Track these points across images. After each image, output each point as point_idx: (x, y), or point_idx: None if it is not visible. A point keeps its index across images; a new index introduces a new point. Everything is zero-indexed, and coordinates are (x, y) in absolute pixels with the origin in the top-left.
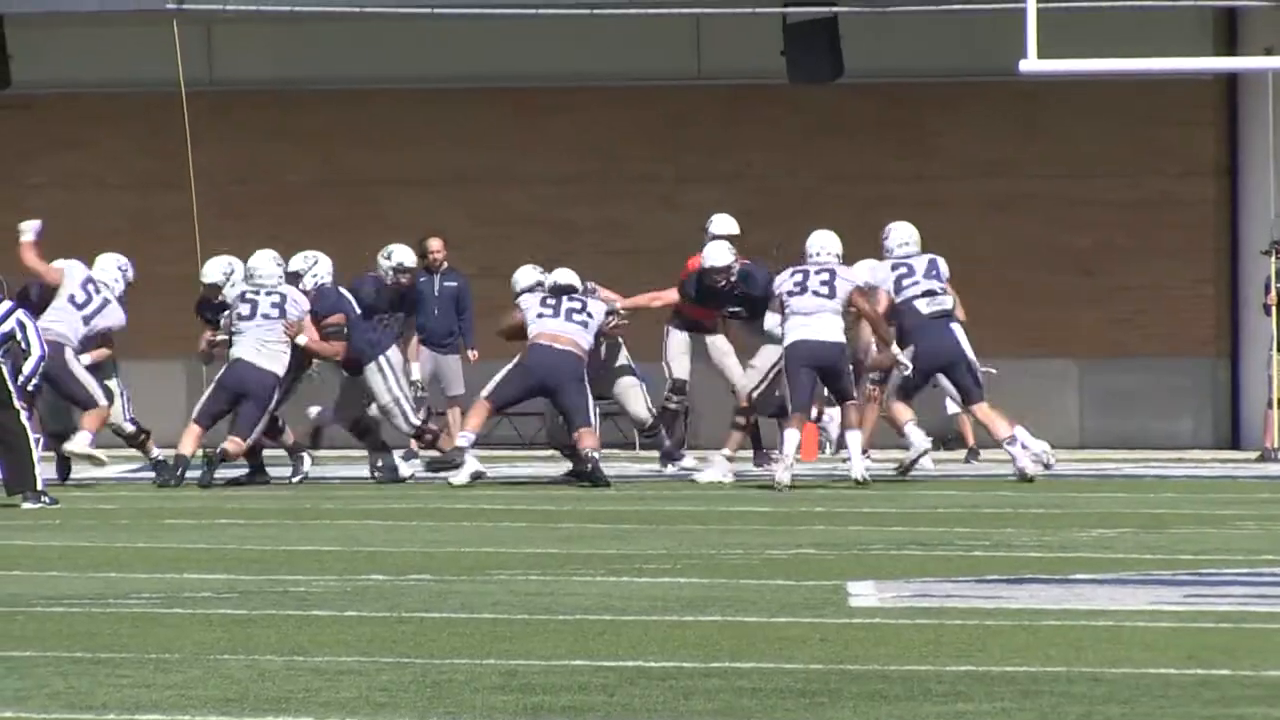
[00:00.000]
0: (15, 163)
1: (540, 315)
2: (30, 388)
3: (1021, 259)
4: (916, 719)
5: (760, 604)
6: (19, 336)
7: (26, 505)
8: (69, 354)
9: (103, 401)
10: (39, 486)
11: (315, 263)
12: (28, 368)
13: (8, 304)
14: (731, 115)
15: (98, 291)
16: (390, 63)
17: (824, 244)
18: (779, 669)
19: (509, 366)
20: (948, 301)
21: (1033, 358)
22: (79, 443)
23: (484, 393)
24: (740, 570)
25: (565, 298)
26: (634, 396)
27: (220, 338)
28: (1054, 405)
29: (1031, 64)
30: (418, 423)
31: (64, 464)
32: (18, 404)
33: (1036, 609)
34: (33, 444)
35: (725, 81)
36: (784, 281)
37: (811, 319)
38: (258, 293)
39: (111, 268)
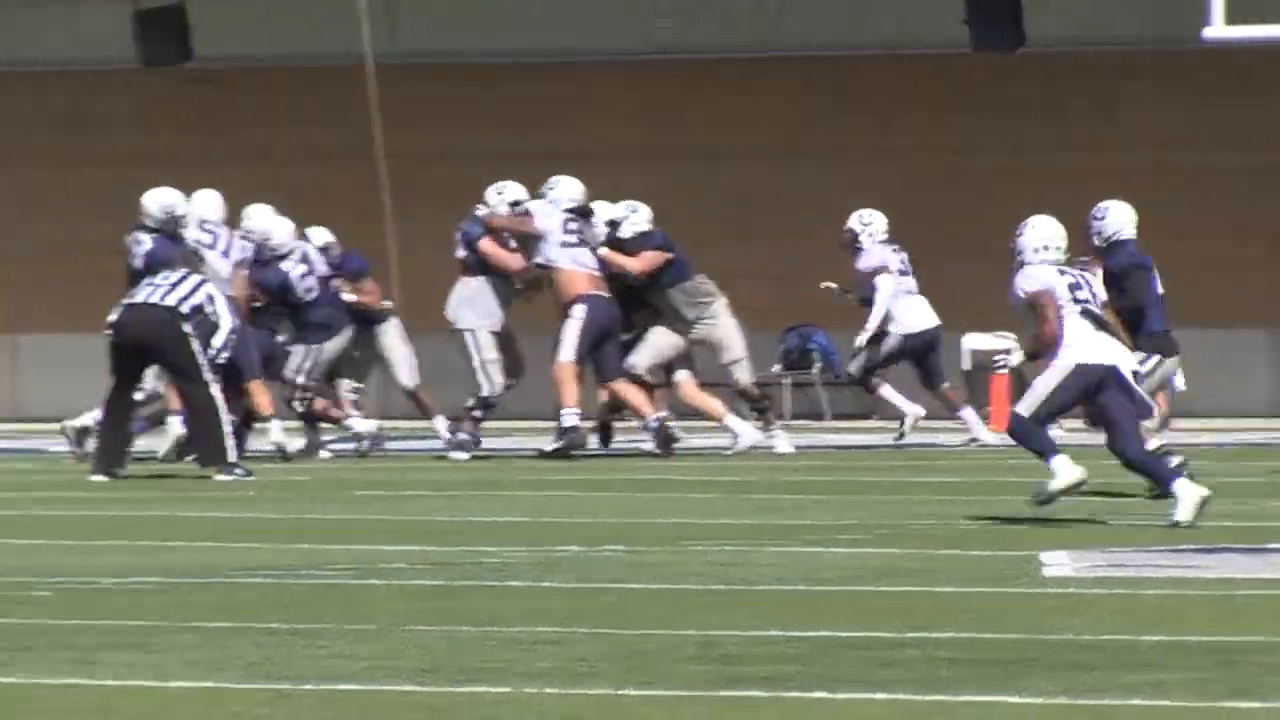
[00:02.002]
0: (198, 137)
1: (565, 244)
2: (220, 360)
3: (1209, 230)
4: (1114, 688)
5: (954, 574)
6: (208, 309)
7: (220, 478)
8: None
9: (259, 371)
10: (231, 459)
11: (634, 211)
12: (218, 340)
13: (197, 277)
14: (903, 85)
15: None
16: (579, 34)
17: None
18: (975, 639)
19: (578, 325)
20: None
21: (1222, 327)
22: (273, 433)
23: (566, 356)
24: (933, 540)
25: (586, 221)
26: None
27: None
28: (1243, 374)
29: (1217, 30)
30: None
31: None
32: (208, 377)
33: (1231, 578)
34: (224, 417)
35: (900, 51)
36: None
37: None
38: None
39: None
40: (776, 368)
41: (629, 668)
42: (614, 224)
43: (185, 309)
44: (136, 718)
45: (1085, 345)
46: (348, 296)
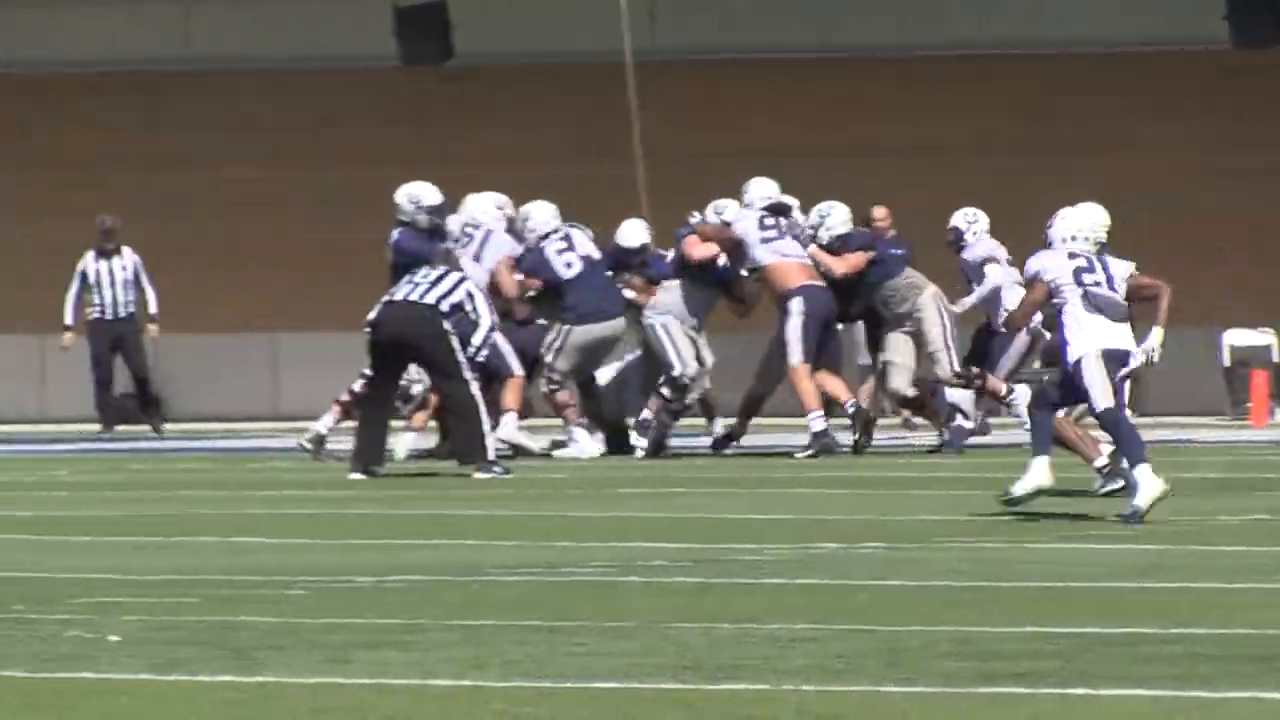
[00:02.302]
0: (458, 133)
1: (766, 240)
2: (479, 358)
3: None
4: None
5: (1214, 570)
6: (468, 307)
7: (479, 476)
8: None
9: (519, 371)
10: (490, 457)
11: (828, 214)
12: (477, 338)
13: (457, 275)
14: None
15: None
16: (836, 30)
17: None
18: (1235, 635)
19: (799, 322)
20: None
21: None
22: (506, 430)
23: (795, 359)
24: (1193, 536)
25: (784, 217)
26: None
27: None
28: None
29: None
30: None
31: None
32: (468, 375)
33: None
34: (483, 415)
35: (1155, 48)
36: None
37: None
38: None
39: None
40: (1036, 363)
41: (886, 664)
42: (815, 230)
43: (445, 306)
44: (392, 716)
45: (1085, 336)
46: (627, 293)
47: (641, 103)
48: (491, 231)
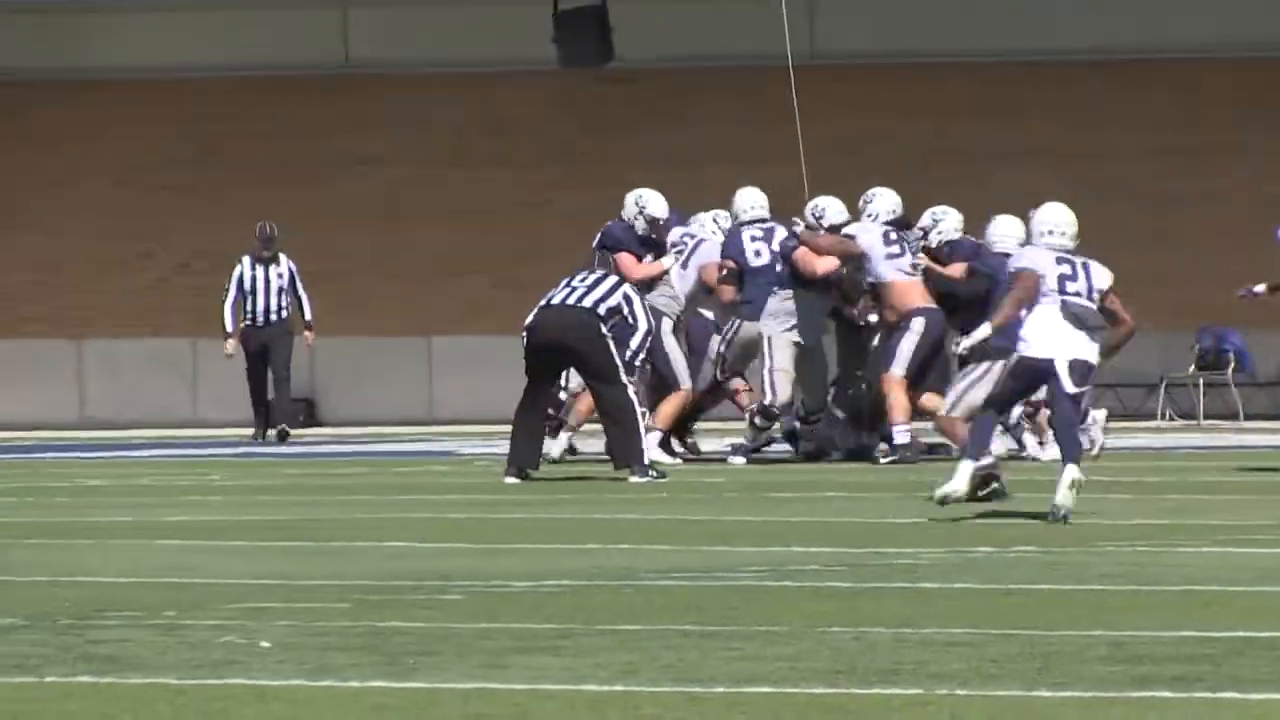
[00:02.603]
0: (619, 137)
1: (890, 255)
2: (636, 362)
3: None
4: None
5: None
6: (624, 311)
7: (634, 479)
8: (665, 326)
9: (686, 384)
10: (646, 460)
11: (942, 218)
12: (634, 343)
13: (614, 278)
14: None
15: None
16: (994, 34)
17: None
18: None
19: (915, 340)
20: None
21: None
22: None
23: (900, 370)
24: None
25: (908, 231)
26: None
27: None
28: None
29: None
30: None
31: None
32: (625, 379)
33: None
34: (640, 419)
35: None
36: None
37: None
38: None
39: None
40: (1191, 368)
41: (1040, 668)
42: (925, 232)
43: (602, 310)
44: None
45: (1039, 338)
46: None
47: (803, 105)
48: (704, 240)
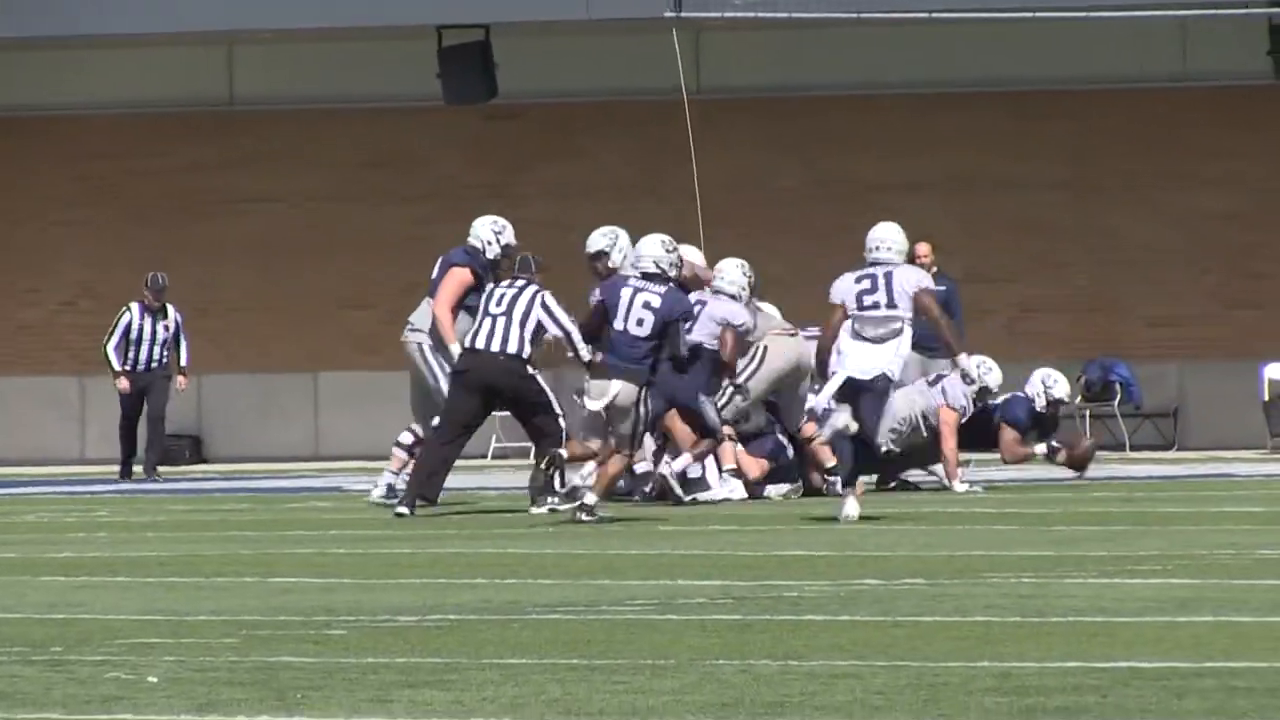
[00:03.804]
0: (505, 172)
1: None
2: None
3: None
4: None
5: (1253, 604)
6: (547, 324)
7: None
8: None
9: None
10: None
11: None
12: (580, 348)
13: (529, 291)
14: (1217, 118)
15: None
16: (882, 68)
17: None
18: (1273, 669)
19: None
20: None
21: None
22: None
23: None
24: (1232, 570)
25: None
26: None
27: None
28: None
29: None
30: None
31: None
32: (556, 408)
33: None
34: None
35: (1211, 83)
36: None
37: None
38: None
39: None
40: (1077, 399)
41: (926, 700)
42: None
43: (528, 351)
44: None
45: (841, 358)
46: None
47: (696, 140)
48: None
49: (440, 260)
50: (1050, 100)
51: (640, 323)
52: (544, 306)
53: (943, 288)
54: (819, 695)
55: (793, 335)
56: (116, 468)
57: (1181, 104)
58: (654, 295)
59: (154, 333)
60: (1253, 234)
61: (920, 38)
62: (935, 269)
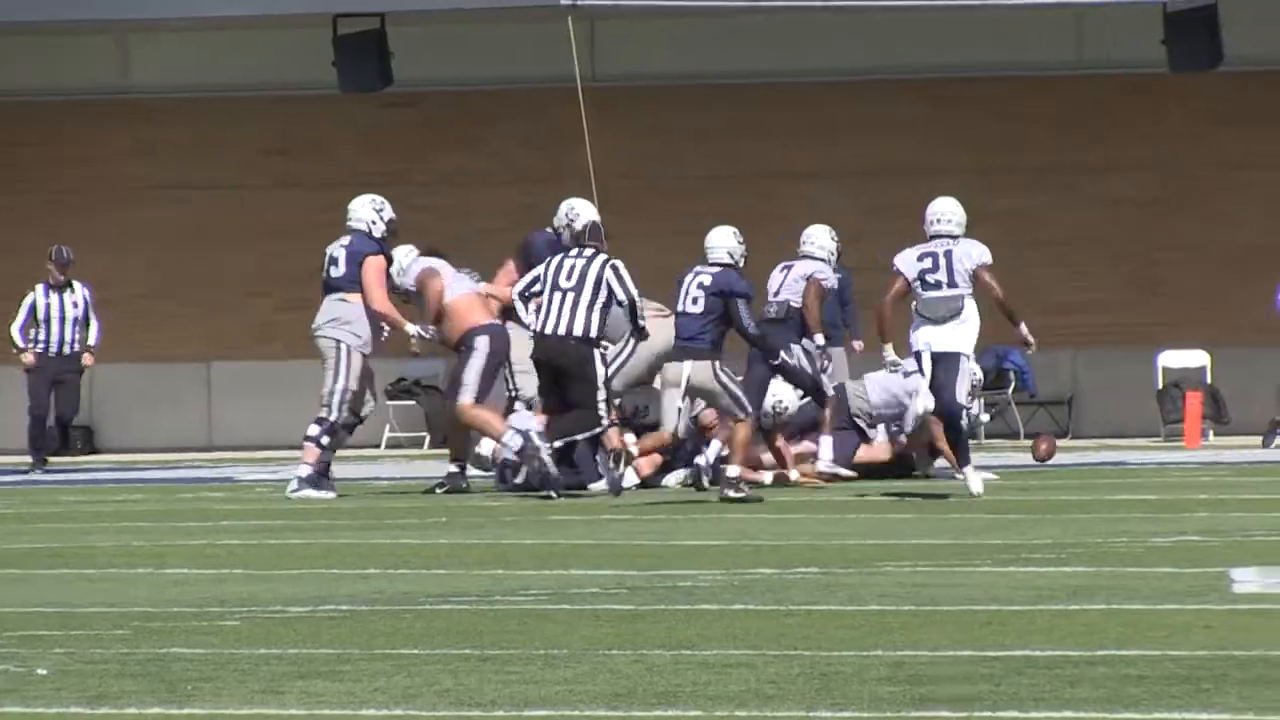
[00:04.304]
0: (403, 160)
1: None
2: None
3: None
4: None
5: (1145, 592)
6: (615, 289)
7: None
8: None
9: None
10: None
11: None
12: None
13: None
14: (1113, 106)
15: None
16: (780, 55)
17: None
18: (1165, 656)
19: (483, 358)
20: None
21: None
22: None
23: (469, 396)
24: (1125, 558)
25: None
26: None
27: None
28: None
29: None
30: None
31: None
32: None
33: None
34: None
35: (1107, 71)
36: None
37: None
38: None
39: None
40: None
41: (819, 689)
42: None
43: (595, 331)
44: None
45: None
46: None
47: (589, 127)
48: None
49: (345, 254)
50: (954, 88)
51: (695, 301)
52: (614, 270)
53: (839, 275)
54: (712, 685)
55: (667, 317)
56: (6, 459)
57: (1078, 92)
58: (706, 275)
59: (62, 310)
60: (1149, 222)
61: (821, 25)
62: (837, 255)
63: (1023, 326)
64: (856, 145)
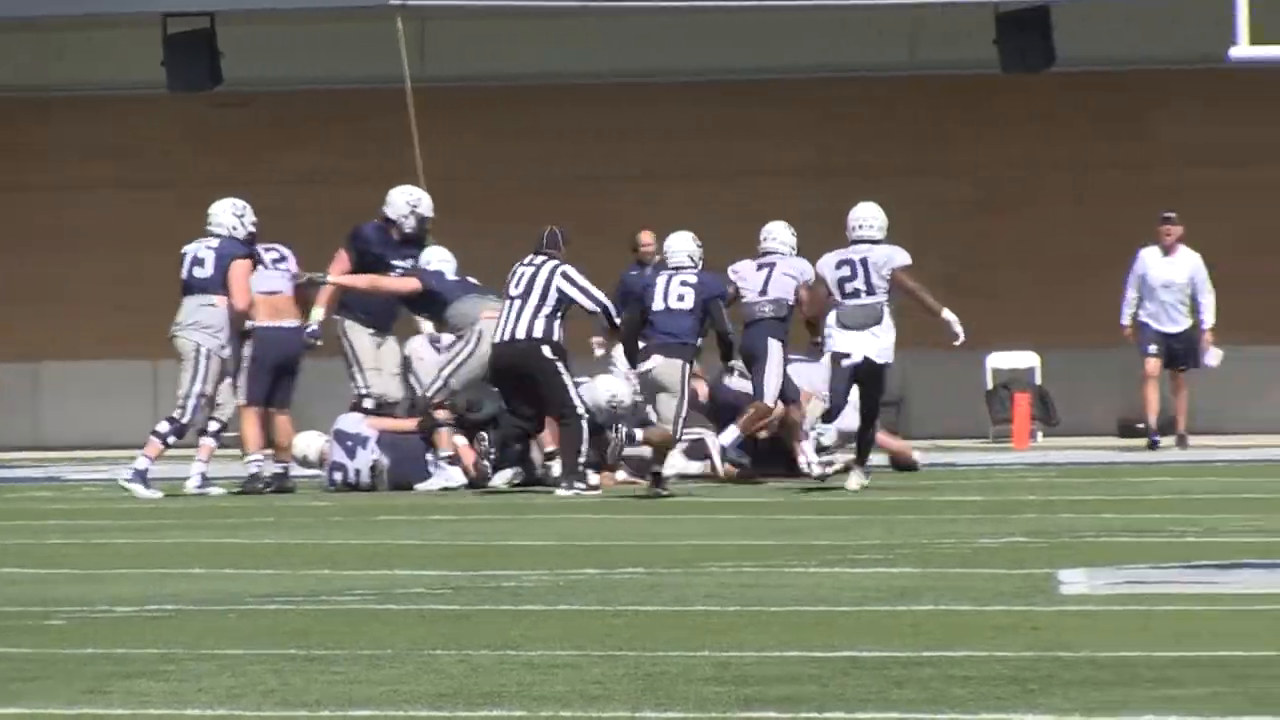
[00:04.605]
0: (231, 160)
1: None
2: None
3: (1235, 247)
4: (1127, 704)
5: (972, 593)
6: (569, 292)
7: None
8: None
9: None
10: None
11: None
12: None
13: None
14: (948, 107)
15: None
16: (609, 57)
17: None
18: (991, 657)
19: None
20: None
21: (1258, 344)
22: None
23: (244, 399)
24: (952, 559)
25: None
26: None
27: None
28: (1264, 389)
29: (1242, 50)
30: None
31: None
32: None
33: (1248, 594)
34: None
35: (939, 72)
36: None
37: None
38: None
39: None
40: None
41: (645, 690)
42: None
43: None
44: None
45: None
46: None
47: (423, 127)
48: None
49: (213, 255)
50: (789, 88)
51: (681, 298)
52: (566, 278)
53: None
54: (537, 686)
55: None
56: None
57: (913, 92)
58: (690, 275)
59: None
60: (981, 223)
61: (650, 26)
62: (658, 258)
63: (949, 318)
64: (690, 146)
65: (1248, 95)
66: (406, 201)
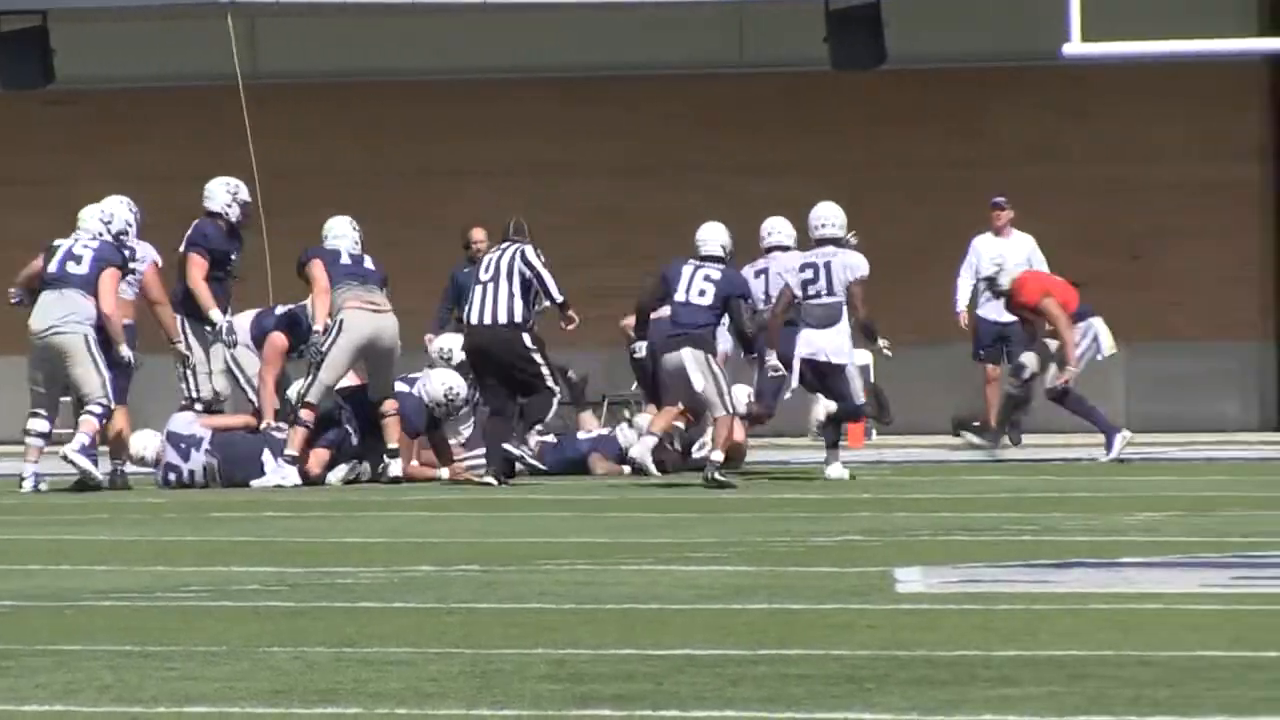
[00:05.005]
0: (63, 159)
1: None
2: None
3: (1069, 243)
4: (964, 703)
5: (807, 591)
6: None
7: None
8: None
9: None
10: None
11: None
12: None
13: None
14: (775, 104)
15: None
16: (440, 54)
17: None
18: (827, 655)
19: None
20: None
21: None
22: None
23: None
24: (787, 558)
25: None
26: None
27: None
28: (1101, 389)
29: (1075, 47)
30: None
31: None
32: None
33: (1084, 593)
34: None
35: (768, 69)
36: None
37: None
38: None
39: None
40: (634, 385)
41: (480, 687)
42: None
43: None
44: None
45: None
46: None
47: (258, 125)
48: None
49: (91, 255)
50: (601, 86)
51: (702, 293)
52: (523, 260)
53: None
54: (372, 683)
55: (375, 310)
56: None
57: (740, 90)
58: (714, 270)
59: None
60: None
61: (475, 23)
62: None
63: (880, 341)
64: (512, 143)
65: (1080, 92)
66: (227, 191)
